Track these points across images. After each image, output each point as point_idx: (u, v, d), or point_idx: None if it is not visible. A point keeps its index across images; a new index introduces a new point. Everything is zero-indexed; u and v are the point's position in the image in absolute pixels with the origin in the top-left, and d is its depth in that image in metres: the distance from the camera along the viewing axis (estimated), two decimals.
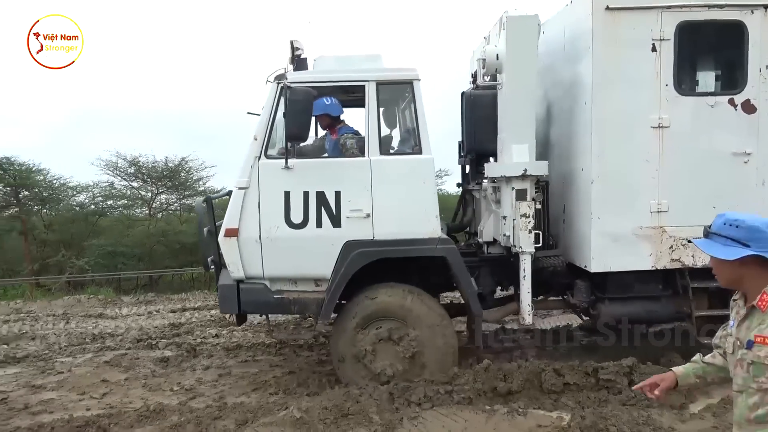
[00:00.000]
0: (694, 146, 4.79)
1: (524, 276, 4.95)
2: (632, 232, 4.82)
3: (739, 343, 2.02)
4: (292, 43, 4.95)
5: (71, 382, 5.53)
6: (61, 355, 6.60)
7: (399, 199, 4.82)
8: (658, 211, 4.81)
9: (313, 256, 4.81)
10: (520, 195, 4.96)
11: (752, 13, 4.67)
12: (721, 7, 4.69)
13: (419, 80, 4.91)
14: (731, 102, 4.76)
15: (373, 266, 4.81)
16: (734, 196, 4.79)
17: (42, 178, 16.04)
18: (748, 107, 4.76)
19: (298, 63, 4.99)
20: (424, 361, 4.79)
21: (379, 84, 4.84)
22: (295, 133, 4.48)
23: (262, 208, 4.78)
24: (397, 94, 4.95)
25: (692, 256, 4.84)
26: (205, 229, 5.07)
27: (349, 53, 5.29)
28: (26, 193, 15.73)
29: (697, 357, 2.30)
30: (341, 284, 4.76)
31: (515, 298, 5.64)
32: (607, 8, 4.62)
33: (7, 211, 15.77)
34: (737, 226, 1.97)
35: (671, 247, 4.85)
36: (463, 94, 5.69)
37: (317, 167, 4.89)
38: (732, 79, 4.96)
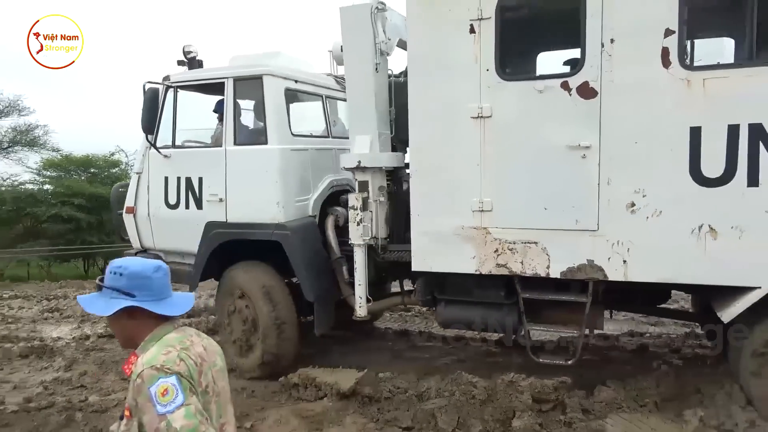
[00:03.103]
0: (520, 138, 4.18)
1: (356, 268, 4.94)
2: (453, 232, 4.44)
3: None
4: (184, 48, 5.68)
5: None
6: None
7: (246, 185, 5.25)
8: (480, 211, 4.34)
9: (185, 233, 5.54)
10: (362, 187, 4.95)
11: None
12: None
13: (271, 75, 5.22)
14: (564, 86, 4.00)
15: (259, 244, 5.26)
16: (572, 196, 4.09)
17: None
18: (586, 91, 3.96)
19: (191, 63, 5.69)
20: (259, 333, 5.19)
21: (236, 80, 5.29)
22: (144, 126, 5.25)
23: (150, 190, 5.69)
24: (254, 88, 5.29)
25: (521, 263, 4.27)
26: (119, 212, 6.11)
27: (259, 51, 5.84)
28: None
29: None
30: (202, 260, 5.42)
31: (401, 292, 5.63)
32: None
33: None
34: (120, 274, 1.78)
35: (496, 250, 4.34)
36: None
37: (187, 156, 5.57)
38: (566, 59, 4.13)
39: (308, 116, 6.24)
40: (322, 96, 6.10)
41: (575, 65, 4.02)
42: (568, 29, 4.03)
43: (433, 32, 4.33)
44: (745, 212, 3.70)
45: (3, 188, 21.50)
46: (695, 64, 4.08)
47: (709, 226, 3.79)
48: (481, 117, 4.25)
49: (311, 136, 5.95)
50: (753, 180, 3.66)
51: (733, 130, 3.67)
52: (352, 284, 5.16)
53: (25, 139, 23.51)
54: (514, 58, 4.39)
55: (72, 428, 4.52)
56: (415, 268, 4.62)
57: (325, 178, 5.74)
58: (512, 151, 4.21)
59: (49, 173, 22.48)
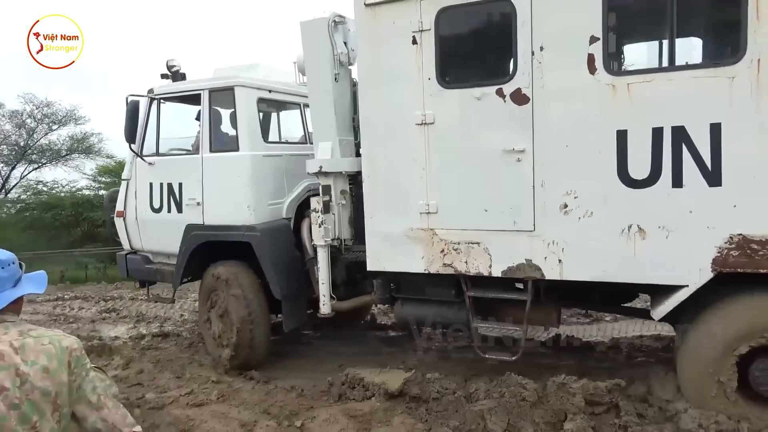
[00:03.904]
0: (461, 144, 4.36)
1: (318, 268, 5.21)
2: (404, 234, 4.66)
3: None
4: (167, 62, 6.07)
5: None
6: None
7: (221, 190, 5.59)
8: (427, 213, 4.54)
9: (169, 235, 5.92)
10: (325, 190, 5.21)
11: None
12: None
13: (242, 86, 5.54)
14: (499, 93, 4.17)
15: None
16: (510, 198, 4.26)
17: None
18: (519, 98, 4.11)
19: (174, 76, 6.07)
20: (234, 328, 5.51)
21: (211, 91, 5.63)
22: (126, 136, 5.65)
23: (137, 195, 6.10)
24: (227, 98, 5.62)
25: (465, 262, 4.46)
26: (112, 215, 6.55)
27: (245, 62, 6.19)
28: None
29: None
30: (182, 260, 5.79)
31: (371, 291, 5.87)
32: (366, 5, 4.53)
33: None
34: None
35: (443, 251, 4.53)
36: None
37: (168, 163, 5.95)
38: (500, 67, 4.29)
39: (289, 123, 6.56)
40: (300, 104, 6.40)
41: (505, 73, 4.19)
42: (502, 38, 4.19)
43: (380, 43, 4.55)
44: (671, 212, 3.79)
45: (63, 194, 22.82)
46: (623, 68, 4.19)
47: (638, 226, 3.90)
48: (425, 124, 4.45)
49: (286, 142, 6.25)
50: (677, 181, 3.75)
51: (657, 133, 3.77)
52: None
53: (82, 147, 25.02)
54: (454, 67, 4.56)
55: None
56: (369, 268, 4.86)
57: (300, 183, 6.01)
58: (454, 156, 4.40)
59: (104, 179, 23.76)
